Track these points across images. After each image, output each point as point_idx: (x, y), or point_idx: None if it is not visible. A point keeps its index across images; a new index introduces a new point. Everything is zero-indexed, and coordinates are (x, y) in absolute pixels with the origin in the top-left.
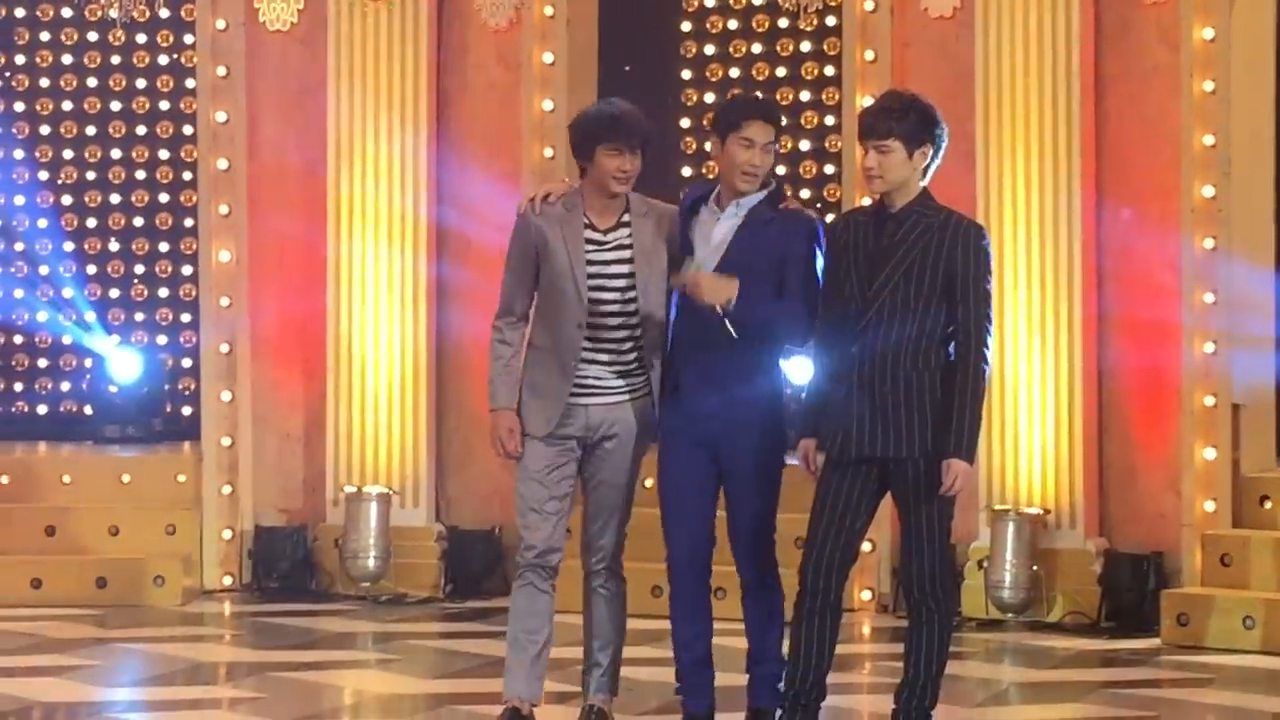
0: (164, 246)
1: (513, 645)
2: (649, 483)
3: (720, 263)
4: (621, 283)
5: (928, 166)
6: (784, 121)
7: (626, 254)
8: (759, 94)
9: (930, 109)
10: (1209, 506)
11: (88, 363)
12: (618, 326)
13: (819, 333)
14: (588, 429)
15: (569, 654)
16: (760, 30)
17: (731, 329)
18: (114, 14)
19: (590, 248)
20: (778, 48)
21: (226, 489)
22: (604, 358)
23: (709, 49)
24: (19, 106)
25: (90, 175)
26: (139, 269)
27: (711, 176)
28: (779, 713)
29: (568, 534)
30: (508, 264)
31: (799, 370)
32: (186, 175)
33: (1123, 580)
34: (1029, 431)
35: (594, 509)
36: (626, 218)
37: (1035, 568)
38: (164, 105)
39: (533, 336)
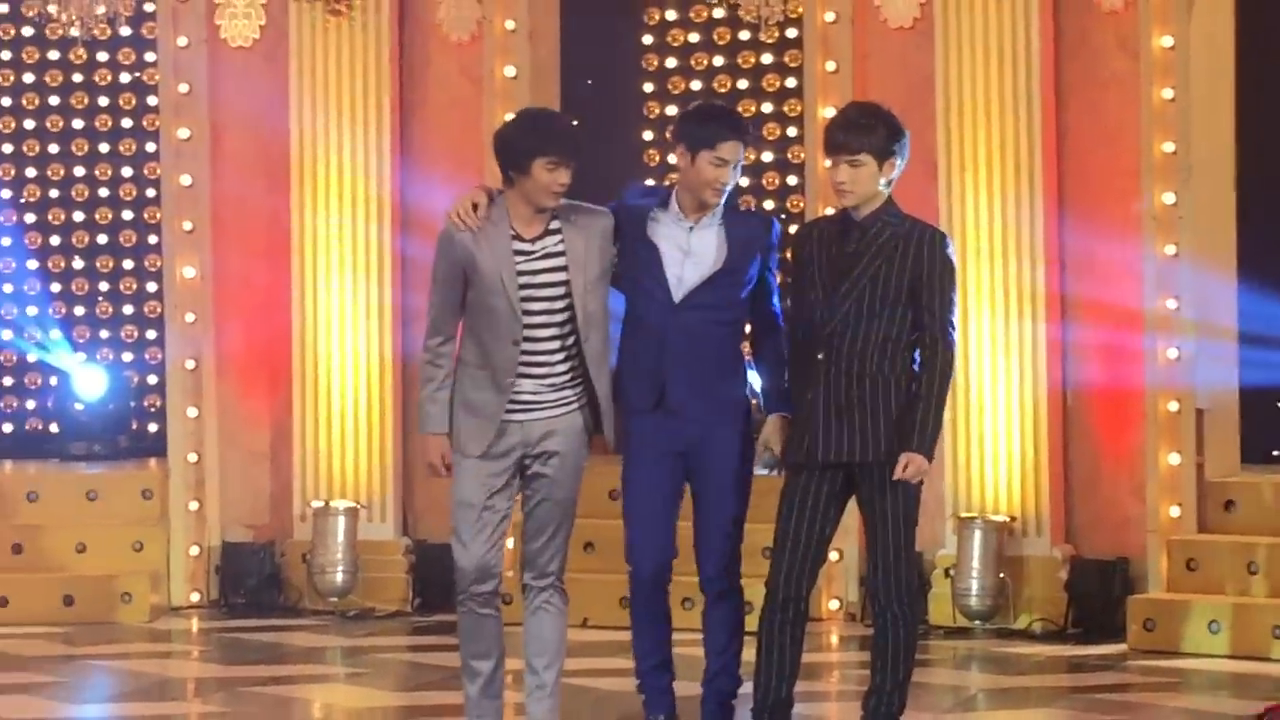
0: (128, 263)
1: (465, 672)
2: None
3: (720, 270)
4: (552, 292)
5: (892, 176)
6: (750, 130)
7: (559, 262)
8: (721, 105)
9: (895, 120)
10: (1174, 512)
11: (53, 380)
12: (549, 338)
13: (787, 339)
14: (525, 445)
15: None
16: (721, 43)
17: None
18: (75, 32)
19: (518, 259)
20: (739, 60)
21: (194, 505)
22: (537, 371)
23: (670, 62)
24: None
25: (54, 193)
26: (104, 286)
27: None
28: None
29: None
30: (434, 283)
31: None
32: (150, 192)
33: (1089, 586)
34: (994, 439)
35: (537, 525)
36: (554, 224)
37: (1002, 575)
38: (126, 123)
39: (463, 354)
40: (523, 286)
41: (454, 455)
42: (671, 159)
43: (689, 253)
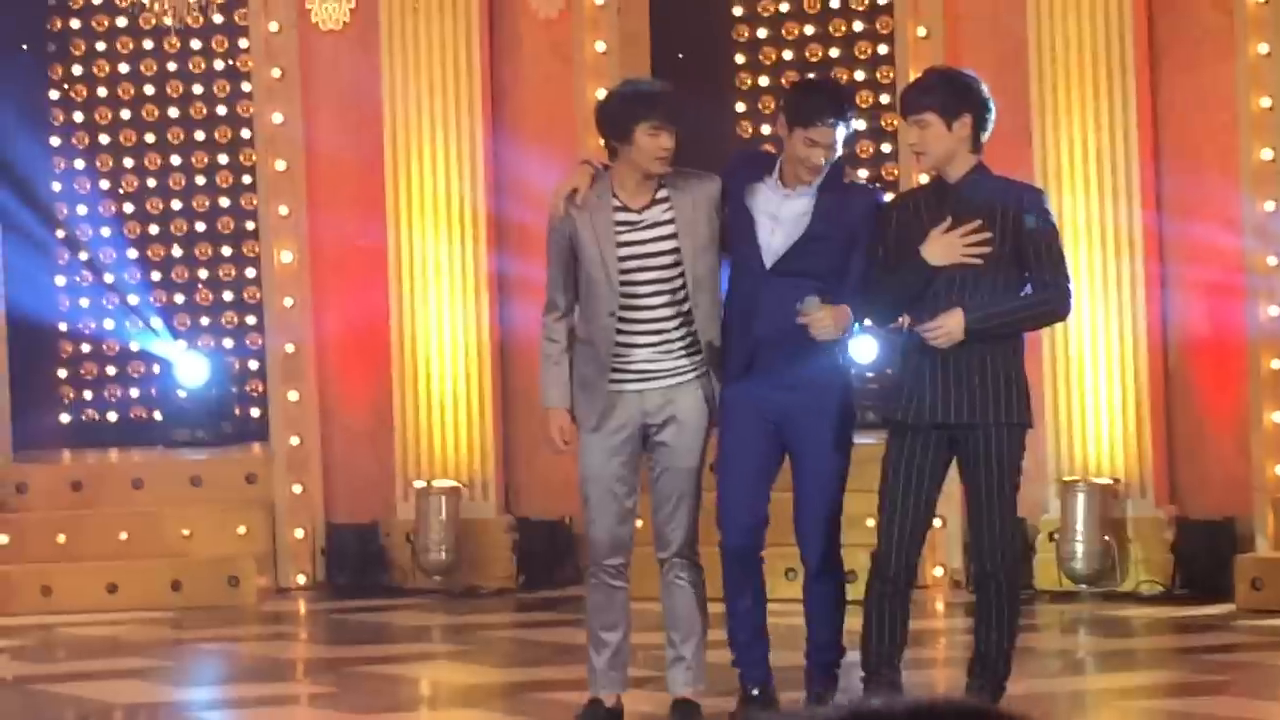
0: (226, 250)
1: (592, 643)
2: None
3: (802, 237)
4: (664, 260)
5: (976, 137)
6: (853, 111)
7: (667, 229)
8: (829, 80)
9: (966, 79)
10: None
11: (156, 368)
12: (663, 304)
13: (877, 309)
14: (645, 414)
15: (649, 639)
16: (812, 11)
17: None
18: (169, 21)
19: (622, 229)
20: (830, 28)
21: (297, 488)
22: (651, 340)
23: (761, 32)
24: (78, 117)
25: (151, 183)
26: (203, 273)
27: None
28: (862, 687)
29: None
30: (548, 259)
31: (864, 350)
32: (246, 179)
33: (1195, 547)
34: (1095, 401)
35: (661, 497)
36: (663, 193)
37: (1106, 538)
38: (221, 110)
39: (577, 329)
40: (628, 258)
41: (578, 430)
42: (765, 128)
43: (778, 219)
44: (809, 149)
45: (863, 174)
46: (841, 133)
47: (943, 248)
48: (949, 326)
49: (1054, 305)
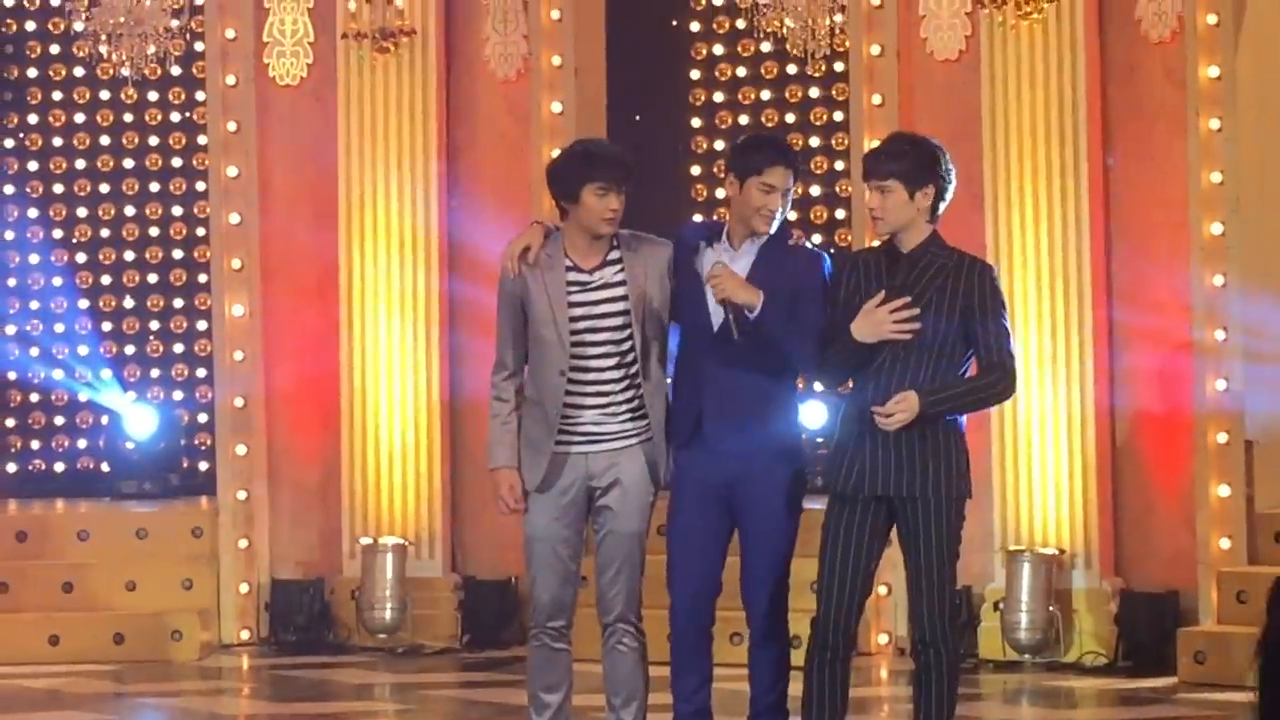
0: (179, 302)
1: (533, 704)
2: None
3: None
4: (614, 321)
5: (935, 207)
6: (798, 161)
7: (619, 291)
8: (774, 135)
9: (933, 150)
10: (1224, 544)
11: (104, 420)
12: (611, 368)
13: (826, 371)
14: (590, 477)
15: (591, 700)
16: (769, 77)
17: (734, 329)
18: (126, 72)
19: (574, 289)
20: (786, 94)
21: (243, 543)
22: (598, 401)
23: (718, 96)
24: (33, 165)
25: (104, 233)
26: (154, 325)
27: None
28: None
29: (583, 582)
30: (497, 318)
31: (814, 414)
32: (200, 231)
33: (1139, 619)
34: (1042, 471)
35: (604, 560)
36: (615, 254)
37: (1051, 608)
38: (176, 162)
39: (526, 389)
40: (579, 318)
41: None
42: (720, 193)
43: None
44: (766, 195)
45: (816, 239)
46: (792, 179)
47: (870, 325)
48: (903, 418)
49: (1001, 388)
